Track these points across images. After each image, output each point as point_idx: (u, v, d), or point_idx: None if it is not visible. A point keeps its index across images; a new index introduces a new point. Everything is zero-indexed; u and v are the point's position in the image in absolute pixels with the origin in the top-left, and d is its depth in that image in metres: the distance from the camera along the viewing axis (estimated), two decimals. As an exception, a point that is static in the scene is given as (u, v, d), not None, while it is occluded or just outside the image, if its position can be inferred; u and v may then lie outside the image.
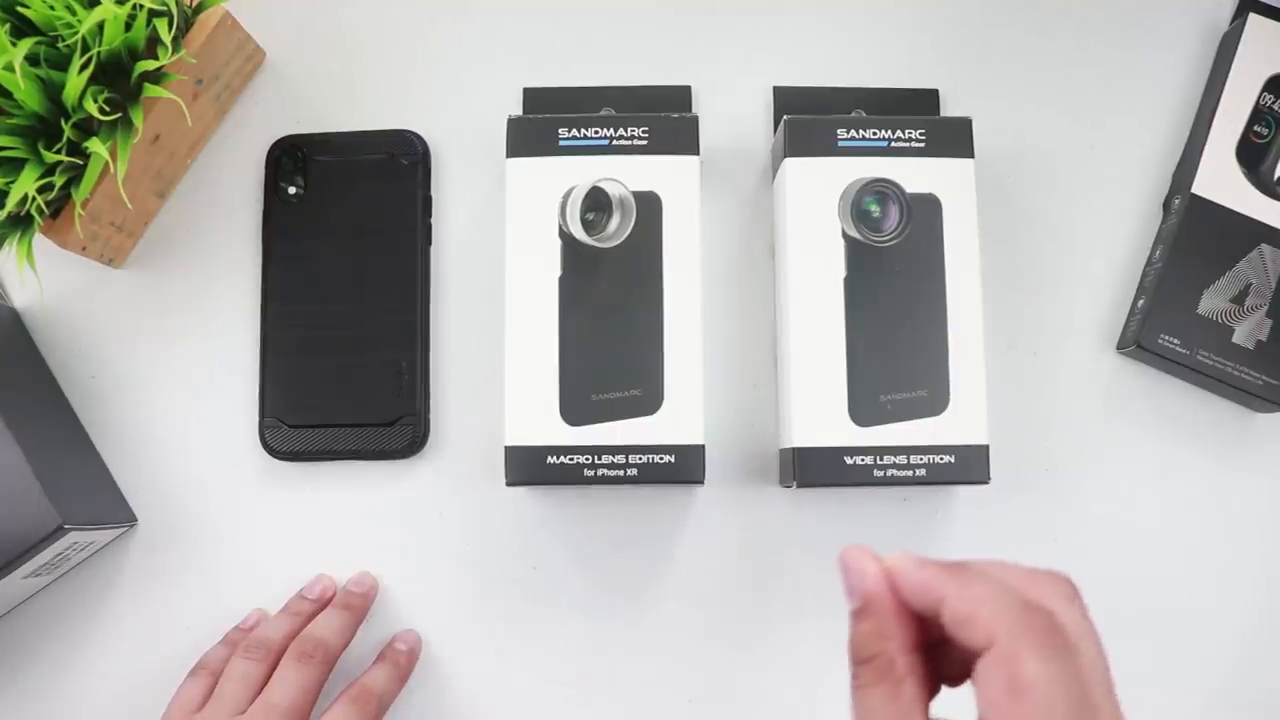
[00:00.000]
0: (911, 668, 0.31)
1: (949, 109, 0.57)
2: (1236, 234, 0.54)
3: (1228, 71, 0.55)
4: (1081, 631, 0.31)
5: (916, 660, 0.32)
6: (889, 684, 0.31)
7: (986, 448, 0.50)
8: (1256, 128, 0.55)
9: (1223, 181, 0.54)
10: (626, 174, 0.51)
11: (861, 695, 0.32)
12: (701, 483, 0.50)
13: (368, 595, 0.53)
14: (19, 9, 0.47)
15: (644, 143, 0.52)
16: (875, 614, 0.32)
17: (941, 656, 0.33)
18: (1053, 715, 0.28)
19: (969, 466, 0.50)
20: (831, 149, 0.52)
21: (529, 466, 0.50)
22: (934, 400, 0.50)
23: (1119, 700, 0.31)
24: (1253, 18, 0.55)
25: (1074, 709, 0.29)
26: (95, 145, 0.47)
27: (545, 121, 0.52)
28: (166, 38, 0.48)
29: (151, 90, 0.49)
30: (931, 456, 0.50)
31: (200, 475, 0.55)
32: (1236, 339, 0.53)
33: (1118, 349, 0.56)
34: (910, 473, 0.50)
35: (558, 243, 0.51)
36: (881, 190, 0.51)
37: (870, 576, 0.32)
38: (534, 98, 0.57)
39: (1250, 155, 0.55)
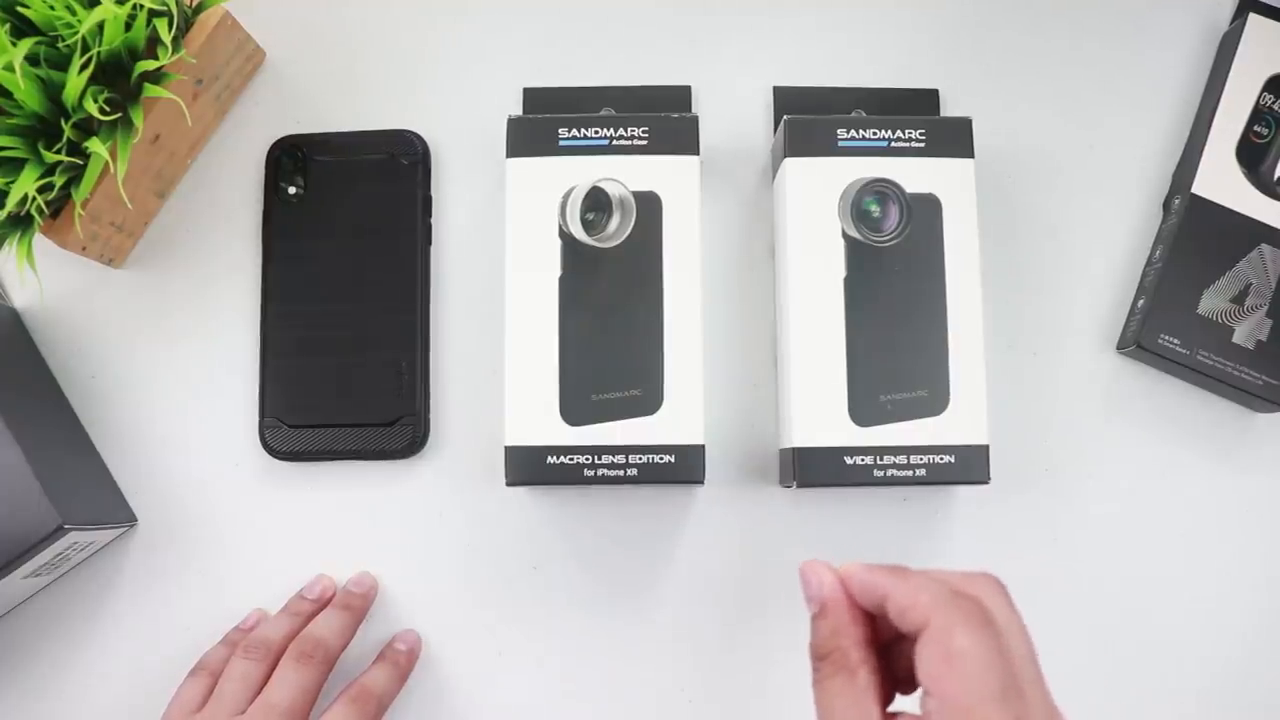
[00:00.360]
0: (865, 659, 0.35)
1: (949, 109, 0.57)
2: (1236, 234, 0.54)
3: (1228, 71, 0.55)
4: (1007, 619, 0.34)
5: (869, 654, 0.35)
6: (845, 673, 0.35)
7: (986, 448, 0.50)
8: (1256, 128, 0.55)
9: (1223, 181, 0.54)
10: (626, 174, 0.51)
11: (822, 687, 0.35)
12: (701, 483, 0.50)
13: (368, 595, 0.53)
14: (19, 9, 0.47)
15: (644, 143, 0.52)
16: (831, 615, 0.36)
17: (896, 659, 0.36)
18: (984, 681, 0.32)
19: (969, 466, 0.50)
20: (831, 149, 0.52)
21: (529, 466, 0.50)
22: (934, 400, 0.50)
23: (1048, 687, 0.34)
24: (1253, 18, 0.55)
25: (1002, 680, 0.32)
26: (95, 145, 0.47)
27: (545, 121, 0.52)
28: (166, 38, 0.48)
29: (151, 90, 0.49)
30: (931, 456, 0.50)
31: (200, 475, 0.55)
32: (1236, 339, 0.53)
33: (1118, 349, 0.56)
34: (910, 473, 0.50)
35: (558, 243, 0.51)
36: (881, 190, 0.51)
37: (826, 583, 0.37)
38: (534, 98, 0.57)
39: (1250, 155, 0.55)
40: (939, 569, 0.36)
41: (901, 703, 0.35)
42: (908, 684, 0.36)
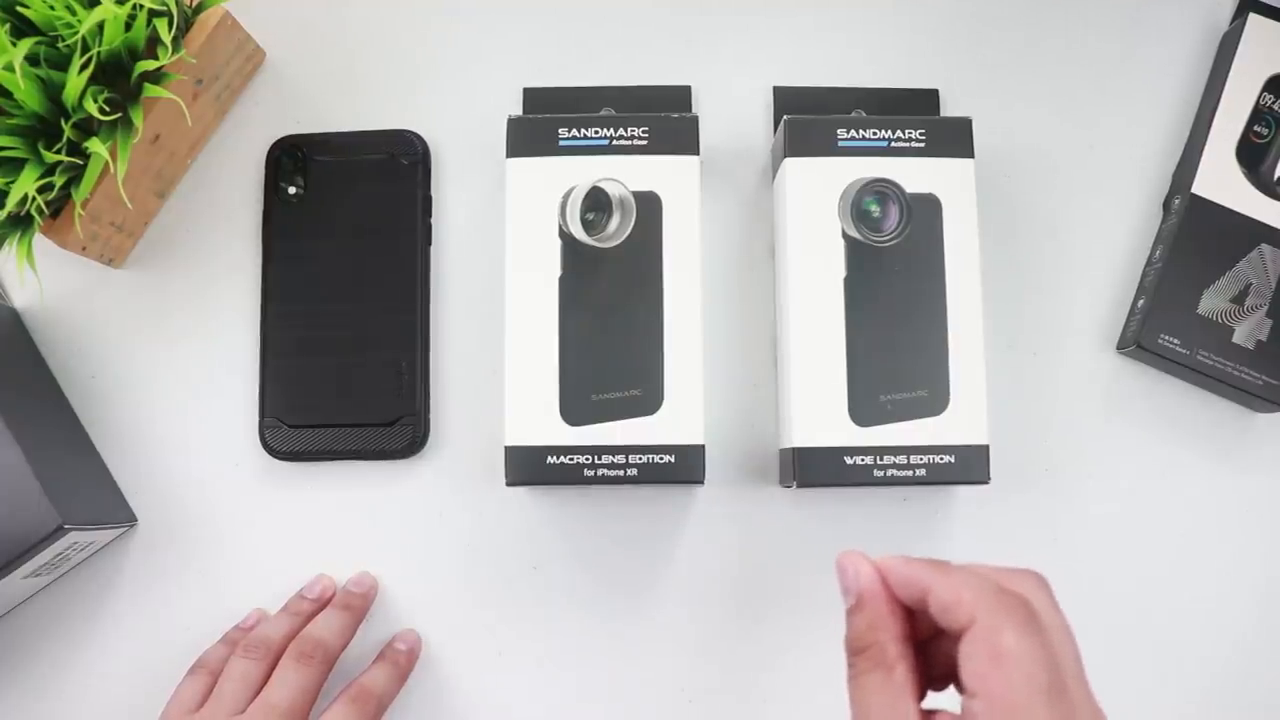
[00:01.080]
0: (902, 655, 0.34)
1: (949, 109, 0.57)
2: (1236, 234, 0.54)
3: (1228, 71, 0.55)
4: (1052, 618, 0.34)
5: (907, 650, 0.34)
6: (882, 670, 0.34)
7: (986, 448, 0.50)
8: (1256, 128, 0.55)
9: (1223, 181, 0.54)
10: (626, 174, 0.51)
11: (857, 683, 0.34)
12: (701, 483, 0.50)
13: (367, 595, 0.53)
14: (19, 9, 0.47)
15: (644, 143, 0.52)
16: (869, 608, 0.35)
17: (930, 656, 0.35)
18: (1032, 681, 0.31)
19: (969, 466, 0.50)
20: (831, 149, 0.52)
21: (529, 466, 0.50)
22: (934, 400, 0.50)
23: (1089, 684, 0.33)
24: (1253, 18, 0.55)
25: (1050, 680, 0.32)
26: (95, 145, 0.48)
27: (545, 121, 0.52)
28: (166, 38, 0.48)
29: (151, 90, 0.49)
30: (931, 456, 0.50)
31: (200, 475, 0.55)
32: (1236, 339, 0.53)
33: (1118, 349, 0.56)
34: (910, 473, 0.50)
35: (558, 243, 0.51)
36: (881, 190, 0.51)
37: (864, 575, 0.35)
38: (534, 98, 0.57)
39: (1250, 155, 0.55)
40: (981, 563, 0.35)
41: (935, 699, 0.35)
42: (941, 680, 0.35)
